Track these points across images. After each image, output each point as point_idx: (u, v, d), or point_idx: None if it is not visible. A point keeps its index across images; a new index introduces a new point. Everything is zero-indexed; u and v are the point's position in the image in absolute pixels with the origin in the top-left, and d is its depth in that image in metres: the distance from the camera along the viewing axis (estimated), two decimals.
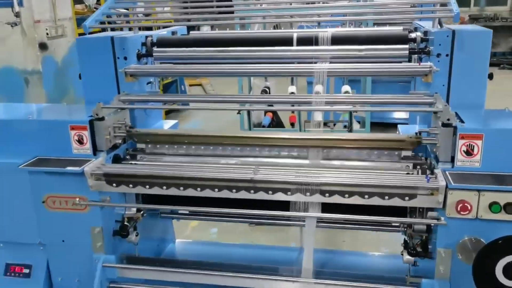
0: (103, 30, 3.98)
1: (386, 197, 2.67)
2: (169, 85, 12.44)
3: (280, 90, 8.89)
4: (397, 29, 3.61)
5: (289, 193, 2.77)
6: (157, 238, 4.08)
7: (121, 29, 3.84)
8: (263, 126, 8.14)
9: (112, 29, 3.87)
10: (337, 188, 2.72)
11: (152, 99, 3.50)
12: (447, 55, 3.10)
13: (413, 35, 3.25)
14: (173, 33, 3.95)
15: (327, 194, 2.73)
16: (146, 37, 3.61)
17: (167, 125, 4.04)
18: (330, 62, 3.27)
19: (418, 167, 2.99)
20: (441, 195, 2.58)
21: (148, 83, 3.78)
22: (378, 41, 3.35)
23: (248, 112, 7.43)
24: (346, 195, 2.72)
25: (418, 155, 3.11)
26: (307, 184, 2.73)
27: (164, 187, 2.90)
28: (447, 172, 2.70)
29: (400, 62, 3.37)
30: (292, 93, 7.76)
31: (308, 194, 2.74)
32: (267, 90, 8.25)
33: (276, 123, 8.54)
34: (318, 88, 3.22)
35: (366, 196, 2.69)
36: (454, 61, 3.10)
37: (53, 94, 7.99)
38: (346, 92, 7.75)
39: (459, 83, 3.12)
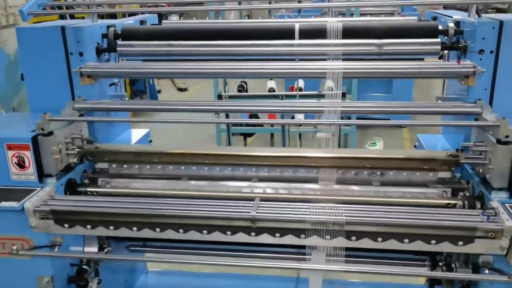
0: (62, 17, 3.17)
1: (433, 241, 2.02)
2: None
3: (258, 85, 8.23)
4: (414, 20, 2.97)
5: (302, 235, 2.09)
6: (125, 270, 3.34)
7: (75, 17, 3.05)
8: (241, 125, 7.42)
9: (62, 17, 3.08)
10: (368, 229, 2.05)
11: (117, 107, 2.73)
12: (491, 52, 2.47)
13: (442, 26, 2.62)
14: (142, 22, 3.19)
15: (353, 237, 2.06)
16: (108, 27, 2.85)
17: (137, 134, 3.28)
18: (343, 60, 2.60)
19: (461, 194, 2.35)
20: (506, 238, 1.95)
21: (111, 85, 3.02)
22: (399, 34, 2.69)
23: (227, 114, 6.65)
24: (380, 239, 2.05)
25: (455, 177, 2.47)
26: (327, 223, 2.05)
27: (135, 228, 2.17)
28: (507, 206, 2.07)
29: (419, 59, 2.75)
30: (272, 88, 7.15)
31: (328, 237, 2.06)
32: (244, 85, 7.59)
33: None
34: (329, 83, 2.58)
35: (406, 240, 2.04)
36: (500, 59, 2.47)
37: (3, 91, 7.07)
38: (330, 88, 7.16)
39: (507, 87, 2.49)
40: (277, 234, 2.10)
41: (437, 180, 2.44)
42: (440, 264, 2.43)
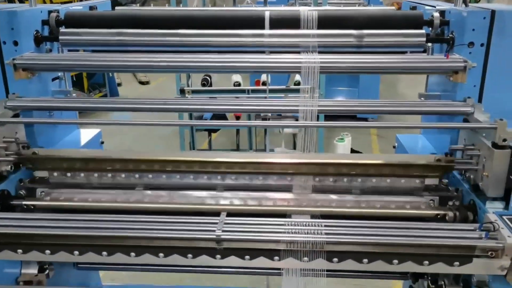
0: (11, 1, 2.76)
1: (426, 262, 1.76)
2: None
3: (223, 79, 7.88)
4: (391, 10, 2.71)
5: (276, 257, 1.79)
6: (76, 285, 2.97)
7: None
8: (205, 119, 7.07)
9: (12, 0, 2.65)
10: (352, 248, 1.77)
11: (59, 105, 2.35)
12: (482, 45, 2.23)
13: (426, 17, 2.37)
14: (92, 8, 2.81)
15: (335, 259, 1.78)
16: (50, 12, 2.47)
17: (87, 135, 2.90)
18: (319, 52, 2.32)
19: (450, 203, 2.11)
20: (508, 257, 1.71)
21: (54, 79, 2.63)
22: (380, 24, 2.42)
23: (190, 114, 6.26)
24: (365, 260, 1.77)
25: (442, 183, 2.22)
26: (306, 243, 1.76)
27: (76, 253, 1.82)
28: (506, 219, 1.83)
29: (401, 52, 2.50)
30: (237, 82, 6.82)
31: (306, 259, 1.77)
32: (208, 79, 7.24)
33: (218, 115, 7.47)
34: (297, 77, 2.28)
35: (396, 261, 1.77)
36: (491, 52, 2.23)
37: None
38: (297, 82, 6.88)
39: (498, 83, 2.26)
40: (247, 257, 1.79)
41: (423, 187, 2.18)
42: (426, 277, 2.19)
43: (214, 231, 1.78)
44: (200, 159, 2.20)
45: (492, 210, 1.90)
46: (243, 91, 6.06)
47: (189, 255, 1.80)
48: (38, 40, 2.43)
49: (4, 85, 2.37)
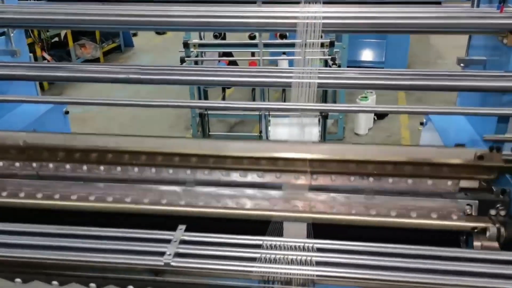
0: None
1: None
2: None
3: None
4: None
5: None
6: None
7: None
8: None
9: None
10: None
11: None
12: None
13: None
14: None
15: None
16: None
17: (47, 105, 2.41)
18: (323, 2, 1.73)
19: (492, 212, 1.56)
20: None
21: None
22: None
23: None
24: None
25: (485, 182, 1.66)
26: (289, 278, 1.26)
27: None
28: None
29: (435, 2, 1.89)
30: (252, 34, 6.19)
31: None
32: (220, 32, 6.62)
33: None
34: None
35: None
36: None
37: None
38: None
39: None
40: None
41: (458, 189, 1.64)
42: None
43: (163, 254, 1.29)
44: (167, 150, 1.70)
45: None
46: (254, 45, 5.45)
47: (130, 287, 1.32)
48: None
49: None
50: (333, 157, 1.60)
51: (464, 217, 1.56)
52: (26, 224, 1.42)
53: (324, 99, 5.58)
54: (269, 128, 4.77)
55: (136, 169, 1.70)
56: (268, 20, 1.64)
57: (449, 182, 1.62)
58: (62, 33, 8.99)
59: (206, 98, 6.72)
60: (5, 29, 2.13)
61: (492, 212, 1.55)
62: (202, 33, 6.83)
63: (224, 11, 1.70)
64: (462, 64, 1.91)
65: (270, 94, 6.46)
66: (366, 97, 6.14)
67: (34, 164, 1.74)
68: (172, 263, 1.27)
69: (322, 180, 1.63)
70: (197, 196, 1.61)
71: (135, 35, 11.61)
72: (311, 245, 1.34)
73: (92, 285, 1.32)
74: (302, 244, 1.35)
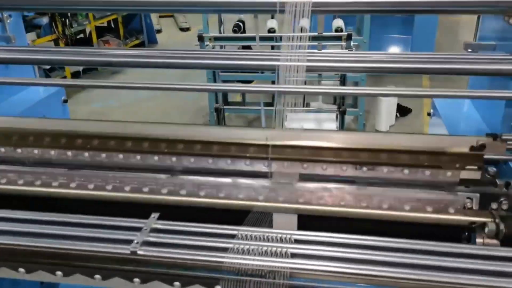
0: None
1: None
2: (133, 16, 10.45)
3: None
4: None
5: (218, 287, 1.22)
6: None
7: None
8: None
9: None
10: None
11: None
12: None
13: None
14: None
15: None
16: None
17: (45, 92, 2.39)
18: None
19: (494, 206, 1.44)
20: None
21: None
22: None
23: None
24: None
25: (488, 172, 1.53)
26: (260, 270, 1.17)
27: None
28: None
29: None
30: (272, 29, 6.10)
31: None
32: (241, 25, 6.57)
33: None
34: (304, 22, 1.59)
35: None
36: None
37: None
38: (339, 28, 6.03)
39: None
40: (176, 283, 1.23)
41: (458, 180, 1.52)
42: None
43: (131, 242, 1.23)
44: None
45: None
46: (271, 39, 5.37)
47: (97, 276, 1.26)
48: None
49: None
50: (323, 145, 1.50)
51: (461, 212, 1.44)
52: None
53: (342, 97, 5.44)
54: (285, 123, 4.68)
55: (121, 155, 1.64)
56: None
57: (449, 173, 1.50)
58: (87, 30, 9.09)
59: (225, 95, 6.70)
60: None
61: (494, 205, 1.43)
62: (222, 27, 6.79)
63: None
64: (469, 50, 1.78)
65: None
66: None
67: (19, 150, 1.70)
68: (139, 252, 1.20)
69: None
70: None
71: (159, 32, 11.68)
72: (288, 236, 1.25)
73: (59, 273, 1.26)
74: (280, 235, 1.26)
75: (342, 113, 5.44)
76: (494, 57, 1.46)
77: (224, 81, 6.60)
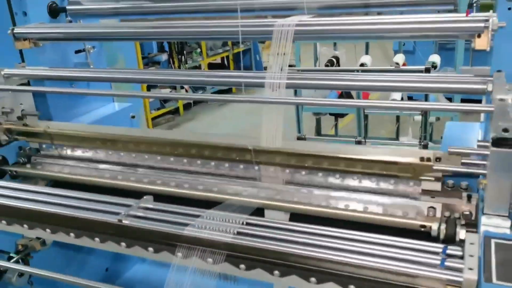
0: None
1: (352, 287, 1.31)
2: (243, 53, 11.24)
3: (351, 61, 7.30)
4: None
5: (179, 254, 1.51)
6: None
7: None
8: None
9: None
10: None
11: (57, 74, 2.30)
12: None
13: None
14: None
15: (242, 266, 1.43)
16: None
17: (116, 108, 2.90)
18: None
19: (446, 213, 1.55)
20: None
21: (78, 52, 2.66)
22: None
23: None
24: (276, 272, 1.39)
25: (459, 186, 1.63)
26: (208, 241, 1.45)
27: (48, 230, 1.76)
28: (493, 242, 1.25)
29: None
30: (363, 64, 6.27)
31: (210, 260, 1.45)
32: (334, 60, 6.79)
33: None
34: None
35: (313, 279, 1.35)
36: None
37: None
38: (434, 64, 5.96)
39: None
40: (150, 248, 1.55)
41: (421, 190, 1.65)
42: None
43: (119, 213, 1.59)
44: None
45: (489, 228, 1.33)
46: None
47: (96, 239, 1.63)
48: (53, 11, 2.46)
49: (20, 55, 2.46)
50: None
51: (415, 217, 1.58)
52: None
53: (424, 128, 5.43)
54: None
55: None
56: (248, 28, 1.86)
57: (411, 183, 1.64)
58: (202, 66, 9.99)
59: (318, 125, 6.95)
60: (88, 46, 2.66)
61: (446, 213, 1.55)
62: (317, 62, 7.07)
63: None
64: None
65: None
66: None
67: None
68: (124, 221, 1.55)
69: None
70: None
71: (265, 68, 12.28)
72: (242, 220, 1.51)
73: (72, 234, 1.66)
74: (237, 219, 1.52)
75: (424, 147, 5.41)
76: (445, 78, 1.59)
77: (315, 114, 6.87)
